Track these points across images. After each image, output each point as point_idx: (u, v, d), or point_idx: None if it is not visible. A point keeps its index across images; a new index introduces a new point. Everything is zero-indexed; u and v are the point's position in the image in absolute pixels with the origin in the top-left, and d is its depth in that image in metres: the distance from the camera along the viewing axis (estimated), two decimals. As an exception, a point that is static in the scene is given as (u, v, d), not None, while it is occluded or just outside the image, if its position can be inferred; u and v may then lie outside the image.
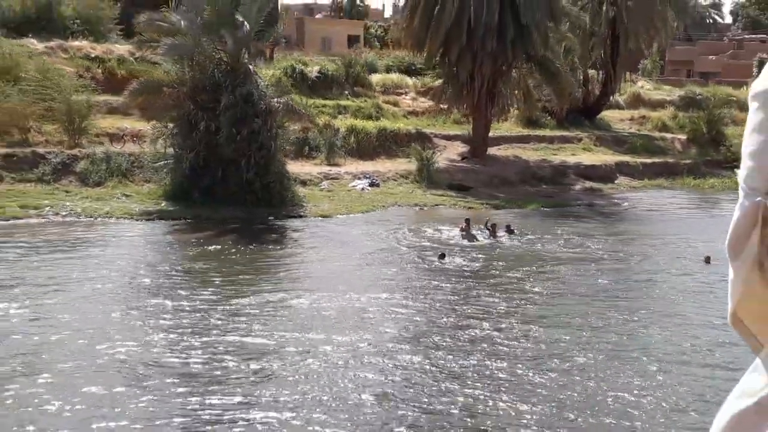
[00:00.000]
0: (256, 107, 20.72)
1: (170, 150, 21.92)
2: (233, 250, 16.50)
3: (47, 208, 19.14)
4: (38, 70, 24.55)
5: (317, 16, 69.55)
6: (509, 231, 18.75)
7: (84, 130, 23.56)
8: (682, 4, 37.16)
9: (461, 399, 8.81)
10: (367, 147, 28.08)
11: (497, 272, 15.31)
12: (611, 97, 37.72)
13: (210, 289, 13.12)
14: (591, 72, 37.28)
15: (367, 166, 26.69)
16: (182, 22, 19.87)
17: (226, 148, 20.46)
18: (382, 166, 26.99)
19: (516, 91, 29.07)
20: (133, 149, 23.52)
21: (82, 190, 20.97)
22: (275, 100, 20.96)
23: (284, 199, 21.16)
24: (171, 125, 21.54)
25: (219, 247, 16.70)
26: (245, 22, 19.83)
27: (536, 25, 26.27)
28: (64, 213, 19.02)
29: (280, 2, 54.63)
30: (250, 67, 21.09)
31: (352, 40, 54.89)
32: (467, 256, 16.56)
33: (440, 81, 30.33)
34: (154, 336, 10.56)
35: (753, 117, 1.02)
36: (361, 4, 79.36)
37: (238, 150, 20.49)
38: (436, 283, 14.22)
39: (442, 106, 30.93)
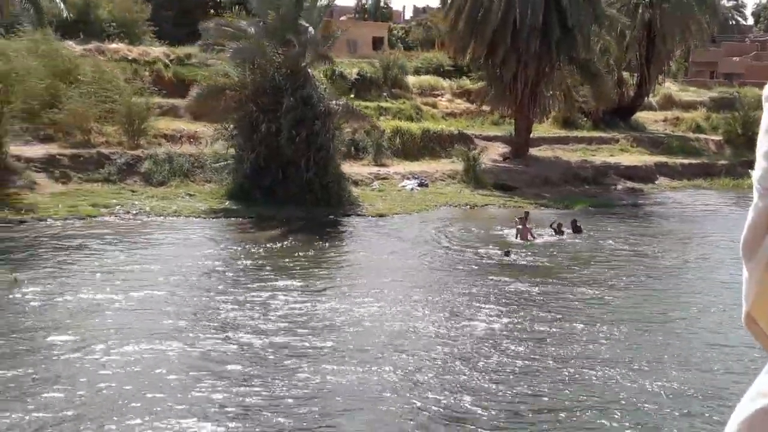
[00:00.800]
0: (316, 109, 21.37)
1: (230, 151, 22.66)
2: (302, 247, 17.13)
3: (118, 207, 19.84)
4: (95, 73, 25.30)
5: (341, 18, 70.10)
6: (576, 229, 19.25)
7: (143, 131, 24.26)
8: (714, 7, 37.52)
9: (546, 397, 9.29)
10: (412, 148, 28.68)
11: (564, 268, 15.84)
12: (645, 99, 38.23)
13: (290, 281, 13.77)
14: (625, 74, 37.78)
15: (413, 167, 27.28)
16: (250, 28, 20.50)
17: (286, 149, 21.11)
18: (428, 166, 27.57)
19: (556, 92, 29.57)
20: (189, 150, 24.21)
21: (146, 190, 21.66)
22: (334, 102, 21.54)
23: (341, 199, 21.77)
24: (231, 127, 22.22)
25: (288, 244, 17.36)
26: (309, 27, 20.44)
27: (580, 27, 26.79)
28: (134, 211, 19.70)
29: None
30: (309, 70, 21.69)
31: (377, 42, 55.31)
32: (531, 253, 17.11)
33: (481, 83, 30.82)
34: (246, 321, 11.18)
35: (767, 118, 1.03)
36: (385, 7, 79.93)
37: (298, 151, 21.14)
38: (505, 278, 14.73)
39: (484, 107, 31.43)
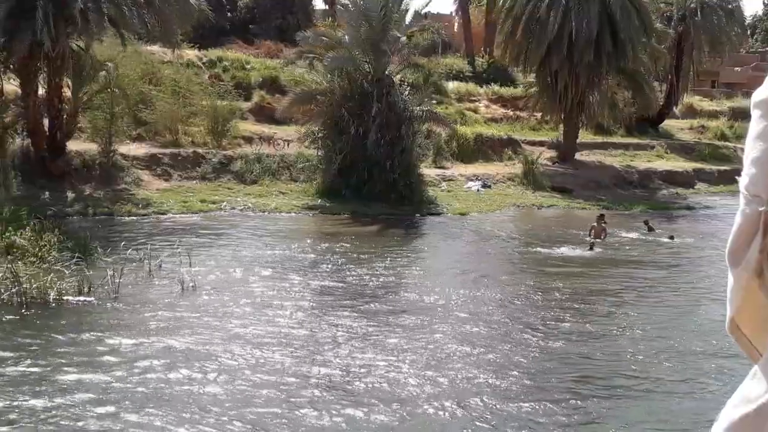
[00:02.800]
0: (400, 114, 22.98)
1: (314, 152, 24.27)
2: (404, 240, 18.81)
3: (224, 203, 21.37)
4: (176, 76, 26.82)
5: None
6: (649, 228, 20.91)
7: (226, 132, 25.78)
8: (742, 21, 39.47)
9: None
10: (467, 151, 30.30)
11: (655, 265, 17.48)
12: (673, 108, 40.15)
13: (409, 267, 15.38)
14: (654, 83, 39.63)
15: (469, 169, 28.90)
16: (345, 38, 22.10)
17: (372, 151, 22.71)
18: (483, 169, 29.19)
19: (603, 100, 31.30)
20: (270, 150, 25.77)
21: (241, 188, 23.17)
22: (418, 108, 23.14)
23: (422, 199, 23.35)
24: (317, 129, 23.82)
25: (391, 237, 19.01)
26: (402, 37, 22.06)
27: (631, 40, 28.54)
28: (239, 207, 21.23)
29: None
30: (393, 78, 23.28)
31: None
32: (612, 249, 18.74)
33: (533, 89, 32.51)
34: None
35: (755, 125, 1.03)
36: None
37: (384, 153, 22.75)
38: (593, 271, 16.31)
39: (535, 114, 33.21)
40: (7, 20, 17.49)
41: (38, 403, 7.97)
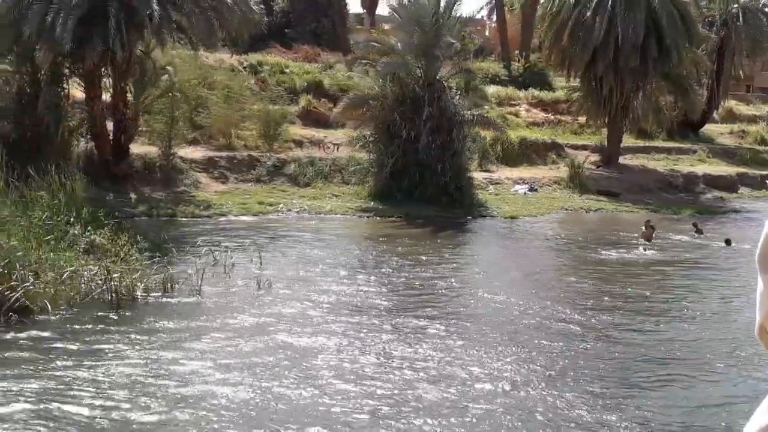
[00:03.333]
0: (451, 118, 23.37)
1: (364, 155, 24.74)
2: (459, 243, 19.24)
3: (280, 205, 21.88)
4: (228, 81, 27.41)
5: (385, 27, 71.96)
6: (698, 230, 21.13)
7: (277, 136, 26.33)
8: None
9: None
10: (511, 155, 30.62)
11: (714, 267, 17.73)
12: (714, 113, 40.21)
13: (467, 270, 15.76)
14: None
15: (514, 173, 29.23)
16: (398, 44, 22.56)
17: (423, 154, 23.12)
18: (528, 172, 29.51)
19: (647, 105, 31.48)
20: (320, 154, 26.26)
21: (295, 190, 23.69)
22: (469, 112, 23.52)
23: (472, 202, 23.71)
24: (369, 133, 24.29)
25: (446, 240, 19.37)
26: (456, 43, 22.47)
27: (676, 45, 28.72)
28: (296, 210, 21.73)
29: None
30: (445, 82, 23.68)
31: None
32: (666, 251, 19.00)
33: (576, 94, 32.75)
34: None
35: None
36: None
37: (435, 156, 23.15)
38: (653, 271, 16.63)
39: (577, 118, 33.44)
40: (78, 27, 18.04)
41: (165, 392, 8.47)
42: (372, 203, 22.96)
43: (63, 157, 19.64)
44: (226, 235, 18.00)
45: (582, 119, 34.16)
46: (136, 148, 22.53)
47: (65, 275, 11.85)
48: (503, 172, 28.91)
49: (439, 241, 19.19)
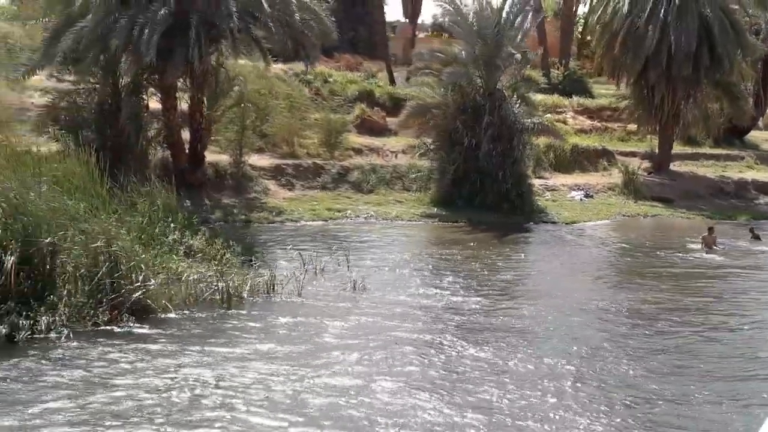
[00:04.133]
0: (512, 126, 23.92)
1: (425, 163, 25.37)
2: (527, 247, 19.82)
3: (348, 211, 22.53)
4: (289, 90, 28.19)
5: (421, 36, 72.43)
6: (755, 236, 21.49)
7: (338, 144, 27.01)
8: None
9: None
10: (563, 161, 31.07)
11: None
12: (759, 120, 40.37)
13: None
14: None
15: (567, 179, 29.67)
16: (461, 54, 23.19)
17: (484, 162, 23.68)
18: (581, 179, 29.93)
19: (697, 112, 31.81)
20: (379, 161, 26.91)
21: (359, 197, 24.33)
22: (529, 120, 24.05)
23: (533, 208, 24.21)
24: (430, 141, 24.92)
25: (514, 244, 20.00)
26: (516, 54, 23.03)
27: (728, 54, 29.07)
28: (364, 215, 22.36)
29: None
30: (504, 92, 24.23)
31: None
32: (730, 257, 19.36)
33: (625, 102, 33.20)
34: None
35: None
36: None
37: (496, 164, 23.70)
38: (724, 275, 17.03)
39: (624, 125, 33.93)
40: (161, 40, 18.78)
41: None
42: (435, 209, 23.52)
43: (142, 165, 20.49)
44: (303, 240, 18.66)
45: (630, 126, 34.50)
46: (208, 157, 23.27)
47: (181, 277, 12.54)
48: (557, 179, 29.37)
49: (508, 245, 19.75)
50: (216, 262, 14.18)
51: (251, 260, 15.24)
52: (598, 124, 38.22)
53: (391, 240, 19.66)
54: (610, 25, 30.50)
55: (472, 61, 23.58)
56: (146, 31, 18.11)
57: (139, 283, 11.57)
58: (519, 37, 24.11)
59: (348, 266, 15.29)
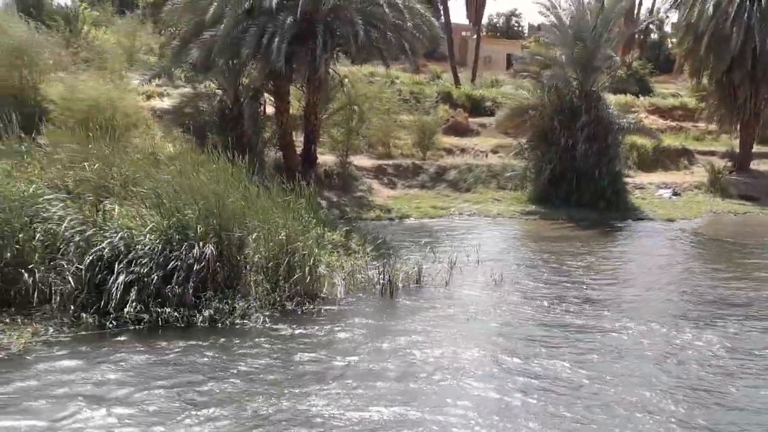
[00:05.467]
0: (608, 126, 24.70)
1: (517, 162, 26.26)
2: (636, 244, 20.48)
3: (452, 208, 23.50)
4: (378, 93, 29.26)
5: (463, 34, 72.89)
6: None
7: (431, 144, 28.03)
8: None
9: None
10: (645, 160, 31.74)
11: None
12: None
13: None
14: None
15: (652, 178, 30.32)
16: (561, 57, 24.07)
17: (581, 161, 24.48)
18: (665, 177, 30.56)
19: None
20: (468, 161, 27.87)
21: (457, 195, 25.30)
22: (625, 120, 24.81)
23: (627, 206, 24.95)
24: (525, 141, 25.81)
25: (621, 240, 20.76)
26: (615, 57, 23.84)
27: (813, 54, 29.49)
28: (467, 213, 23.31)
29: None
30: (600, 92, 25.03)
31: (509, 60, 58.09)
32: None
33: (704, 103, 33.74)
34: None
35: None
36: (517, 25, 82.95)
37: (592, 163, 24.48)
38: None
39: (712, 125, 34.43)
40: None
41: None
42: (533, 207, 24.35)
43: (260, 166, 21.66)
44: (419, 236, 19.62)
45: (705, 125, 35.04)
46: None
47: (340, 267, 13.65)
48: (642, 178, 30.01)
49: (617, 240, 20.59)
50: (360, 255, 15.26)
51: (386, 254, 16.20)
52: (672, 124, 38.77)
53: (502, 236, 20.57)
54: (693, 26, 31.04)
55: (570, 63, 24.39)
56: (276, 39, 19.24)
57: (312, 272, 12.65)
58: (615, 39, 24.80)
59: (478, 260, 16.20)
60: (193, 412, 8.19)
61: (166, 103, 24.02)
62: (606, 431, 8.23)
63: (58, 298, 10.82)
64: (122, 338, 10.34)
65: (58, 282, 10.92)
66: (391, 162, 26.07)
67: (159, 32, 27.61)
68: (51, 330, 10.26)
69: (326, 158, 24.84)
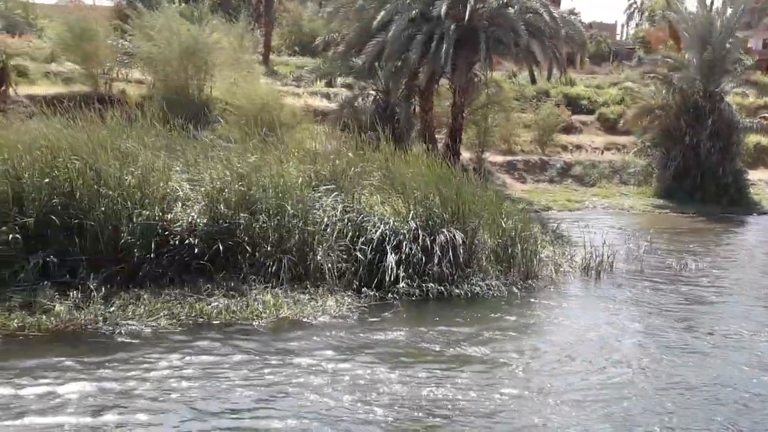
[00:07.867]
0: (730, 125, 26.04)
1: (640, 159, 27.68)
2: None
3: (586, 202, 25.00)
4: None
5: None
6: None
7: (549, 141, 29.57)
8: None
9: None
10: (746, 158, 32.92)
11: None
12: None
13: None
14: None
15: (758, 175, 31.53)
16: (692, 60, 25.48)
17: (705, 158, 25.85)
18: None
19: None
20: (583, 157, 29.33)
21: (585, 189, 26.82)
22: (748, 120, 26.14)
23: (749, 201, 26.27)
24: (648, 138, 27.23)
25: (759, 233, 22.03)
26: (746, 59, 25.18)
27: None
28: (601, 206, 24.80)
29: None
30: (723, 93, 26.36)
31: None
32: None
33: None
34: None
35: None
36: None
37: (716, 160, 25.84)
38: None
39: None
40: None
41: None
42: (660, 201, 25.78)
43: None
44: (570, 226, 21.03)
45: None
46: (451, 153, 26.06)
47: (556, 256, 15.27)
48: (748, 175, 31.20)
49: (750, 232, 21.98)
50: (548, 242, 16.81)
51: (567, 241, 17.71)
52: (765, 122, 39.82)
53: (646, 228, 21.96)
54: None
55: (698, 66, 25.76)
56: (444, 44, 20.89)
57: (534, 256, 14.30)
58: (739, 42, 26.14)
59: (641, 248, 17.59)
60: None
61: (319, 103, 25.77)
62: None
63: (342, 275, 12.53)
64: (401, 309, 12.01)
65: (338, 261, 12.64)
66: (519, 158, 27.63)
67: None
68: (348, 300, 11.99)
69: (463, 154, 26.45)
